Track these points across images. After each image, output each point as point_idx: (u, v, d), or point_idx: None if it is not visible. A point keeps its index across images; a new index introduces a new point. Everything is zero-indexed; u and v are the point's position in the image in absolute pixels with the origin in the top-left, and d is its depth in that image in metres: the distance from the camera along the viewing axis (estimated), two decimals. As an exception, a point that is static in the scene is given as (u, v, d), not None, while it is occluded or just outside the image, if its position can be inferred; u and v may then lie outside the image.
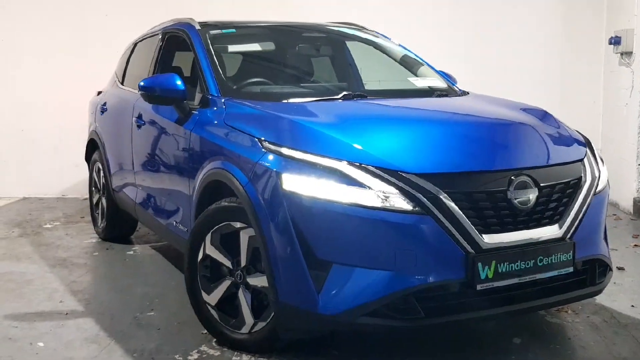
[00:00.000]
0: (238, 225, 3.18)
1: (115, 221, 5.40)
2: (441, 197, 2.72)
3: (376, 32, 4.75)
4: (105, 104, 5.41)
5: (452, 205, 2.73)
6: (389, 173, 2.76)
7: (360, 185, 2.75)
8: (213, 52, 3.96)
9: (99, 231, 5.62)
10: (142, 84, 3.81)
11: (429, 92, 4.01)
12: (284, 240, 2.84)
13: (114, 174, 5.16)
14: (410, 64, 4.49)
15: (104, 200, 5.50)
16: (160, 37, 4.72)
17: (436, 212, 2.71)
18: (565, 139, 3.31)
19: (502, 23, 7.25)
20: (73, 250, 5.27)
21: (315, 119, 3.15)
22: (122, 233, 5.53)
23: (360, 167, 2.78)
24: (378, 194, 2.73)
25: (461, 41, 7.17)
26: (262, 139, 3.04)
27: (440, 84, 4.22)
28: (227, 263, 3.24)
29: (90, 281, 4.50)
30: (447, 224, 2.72)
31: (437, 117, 3.45)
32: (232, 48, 4.25)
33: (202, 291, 3.33)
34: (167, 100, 3.79)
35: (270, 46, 4.36)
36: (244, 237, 3.16)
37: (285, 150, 2.91)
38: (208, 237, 3.29)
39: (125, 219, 5.34)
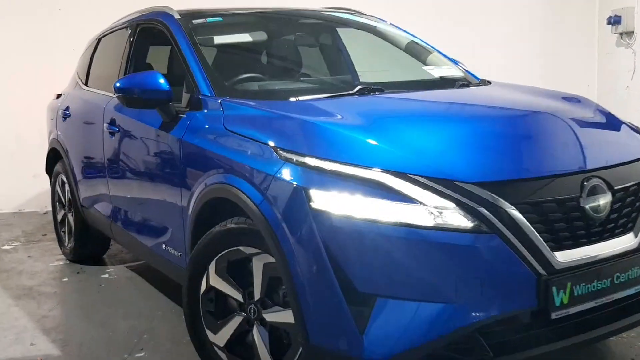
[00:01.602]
0: (250, 250, 2.65)
1: (85, 240, 4.79)
2: (508, 209, 2.23)
3: (375, 16, 4.24)
4: (67, 108, 4.78)
5: (521, 218, 2.24)
6: (442, 183, 2.26)
7: (408, 199, 2.24)
8: (200, 45, 3.40)
9: (67, 252, 4.99)
10: (118, 85, 3.23)
11: (450, 83, 3.52)
12: (314, 269, 2.31)
13: (82, 188, 4.54)
14: (418, 52, 3.99)
15: (70, 217, 4.89)
16: (131, 30, 4.12)
17: (503, 228, 2.22)
18: (626, 132, 2.86)
19: (487, 3, 6.82)
20: (39, 276, 4.64)
21: (340, 120, 2.63)
22: (93, 253, 4.94)
23: (406, 178, 2.27)
24: (431, 210, 2.22)
25: (445, 25, 6.71)
26: (278, 146, 2.50)
27: (457, 72, 3.74)
28: (237, 296, 2.71)
29: (64, 315, 3.90)
30: (515, 242, 2.23)
31: (481, 112, 2.94)
32: (218, 39, 3.68)
33: (207, 330, 2.80)
34: (149, 103, 3.21)
35: (262, 36, 3.81)
36: (258, 265, 2.63)
37: (310, 160, 2.38)
38: (212, 266, 2.76)
39: (96, 237, 4.74)
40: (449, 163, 2.32)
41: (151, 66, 4.10)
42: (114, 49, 4.38)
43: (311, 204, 2.31)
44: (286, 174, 2.42)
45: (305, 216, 2.32)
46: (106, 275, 4.60)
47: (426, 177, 2.27)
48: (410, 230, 2.21)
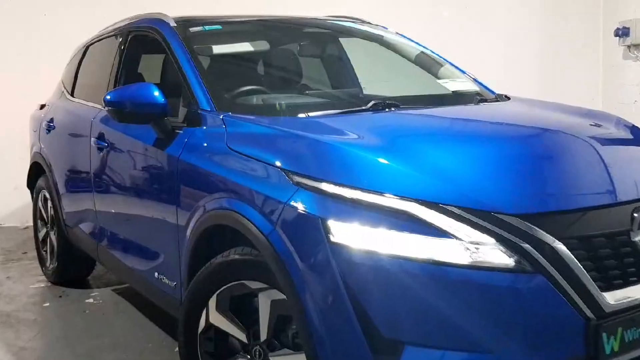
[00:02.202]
0: (255, 285, 2.37)
1: (68, 261, 4.48)
2: (554, 245, 1.97)
3: (382, 26, 3.98)
4: (51, 120, 4.47)
5: (568, 255, 1.98)
6: (479, 215, 1.99)
7: (441, 233, 1.97)
8: (199, 55, 3.12)
9: (49, 273, 4.67)
10: (108, 97, 2.94)
11: (467, 98, 3.26)
12: (333, 311, 2.04)
13: (67, 205, 4.23)
14: (429, 63, 3.73)
15: (53, 236, 4.57)
16: (122, 37, 3.83)
17: (548, 266, 1.96)
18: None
19: (489, 14, 6.61)
20: (18, 300, 4.32)
21: (359, 140, 2.35)
22: (76, 274, 4.62)
23: (438, 208, 2.00)
24: (467, 246, 1.96)
25: (447, 35, 6.48)
26: (290, 170, 2.23)
27: (472, 86, 3.48)
28: (240, 336, 2.43)
29: (46, 346, 3.58)
30: (562, 281, 1.97)
31: (516, 133, 2.67)
32: (217, 49, 3.40)
33: (206, 373, 2.51)
34: (142, 118, 2.93)
35: (263, 46, 3.54)
36: (265, 302, 2.34)
37: (327, 187, 2.11)
38: (212, 301, 2.47)
39: (80, 258, 4.42)
40: (486, 192, 2.06)
41: (143, 77, 3.82)
42: (103, 58, 4.09)
43: (329, 236, 2.04)
44: (300, 201, 2.14)
45: (323, 250, 2.05)
46: (91, 300, 4.29)
47: (461, 208, 2.00)
48: (443, 269, 1.95)
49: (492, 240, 1.95)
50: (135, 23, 3.77)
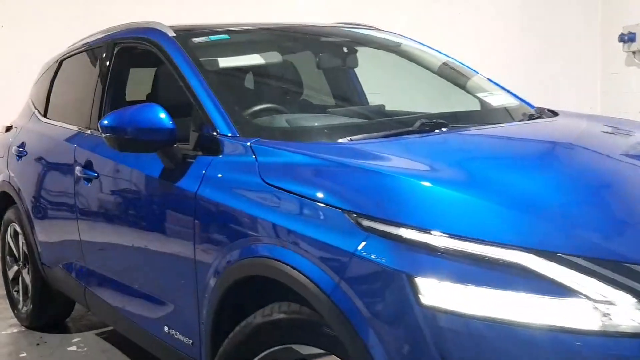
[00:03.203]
0: (308, 350, 1.94)
1: (45, 303, 3.96)
2: None
3: (397, 33, 3.59)
4: (22, 145, 3.95)
5: None
6: (611, 267, 1.60)
7: (564, 291, 1.57)
8: (207, 70, 2.68)
9: (22, 317, 4.14)
10: (105, 122, 2.48)
11: (515, 114, 2.88)
12: (425, 391, 1.63)
13: (44, 242, 3.71)
14: (455, 74, 3.36)
15: (26, 275, 4.05)
16: (106, 50, 3.35)
17: None
18: None
19: (482, 18, 6.30)
20: (-11, 351, 3.79)
21: (439, 172, 1.95)
22: (55, 317, 4.10)
23: (559, 259, 1.60)
24: (596, 306, 1.57)
25: (441, 41, 6.14)
26: (356, 211, 1.80)
27: (511, 99, 3.12)
28: (289, 413, 1.99)
29: (29, 412, 3.07)
30: None
31: (622, 161, 2.27)
32: (226, 62, 2.95)
33: None
34: (148, 146, 2.47)
35: (277, 57, 3.10)
36: (321, 371, 1.92)
37: (410, 233, 1.69)
38: (252, 370, 2.03)
39: (59, 299, 3.91)
40: (616, 237, 1.67)
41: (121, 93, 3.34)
42: (82, 74, 3.61)
43: (419, 297, 1.63)
44: (374, 251, 1.72)
45: (410, 315, 1.63)
46: (74, 348, 3.78)
47: (587, 259, 1.61)
48: (569, 337, 1.55)
49: (630, 300, 1.56)
50: (121, 34, 3.30)
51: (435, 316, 1.61)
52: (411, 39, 3.55)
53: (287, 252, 1.94)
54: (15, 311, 4.24)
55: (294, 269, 1.90)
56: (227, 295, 2.18)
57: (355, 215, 1.80)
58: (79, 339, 3.91)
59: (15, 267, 4.22)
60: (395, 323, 1.66)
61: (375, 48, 3.47)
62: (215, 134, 2.41)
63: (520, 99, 3.17)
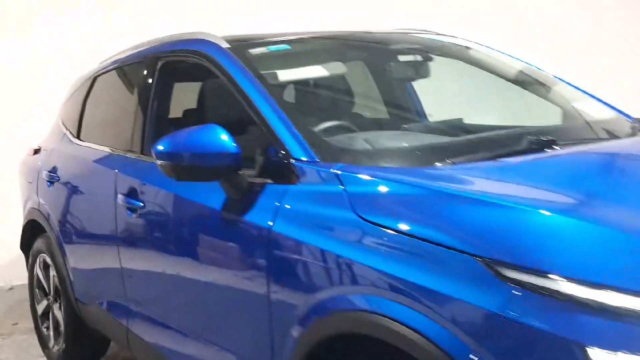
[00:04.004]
0: None
1: (80, 342, 3.62)
2: None
3: (466, 38, 3.23)
4: (54, 169, 3.62)
5: None
6: None
7: None
8: (271, 85, 2.35)
9: (53, 355, 3.79)
10: (160, 148, 2.14)
11: (621, 127, 2.52)
12: None
13: (80, 277, 3.38)
14: (534, 82, 3.00)
15: (57, 311, 3.71)
16: (146, 66, 3.03)
17: None
18: None
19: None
20: (20, 397, 3.45)
21: (583, 206, 1.60)
22: (89, 357, 3.76)
23: None
24: None
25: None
26: (491, 258, 1.45)
27: (608, 110, 2.76)
28: None
29: None
30: None
31: None
32: (288, 75, 2.61)
33: None
34: (209, 173, 2.13)
35: (340, 69, 2.75)
36: None
37: (572, 289, 1.34)
38: None
39: (94, 338, 3.58)
40: None
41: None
42: (120, 91, 3.31)
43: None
44: (525, 311, 1.37)
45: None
46: (111, 391, 3.43)
47: None
48: None
49: None
50: (164, 47, 2.98)
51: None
52: (481, 44, 3.19)
53: (398, 307, 1.59)
54: (46, 350, 3.90)
55: (407, 327, 1.55)
56: (313, 355, 1.83)
57: (491, 262, 1.44)
58: (116, 381, 3.57)
59: (45, 302, 3.89)
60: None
61: (443, 55, 3.11)
62: (287, 158, 2.06)
63: (616, 109, 2.81)
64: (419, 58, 2.92)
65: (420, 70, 2.95)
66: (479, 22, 5.98)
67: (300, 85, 2.66)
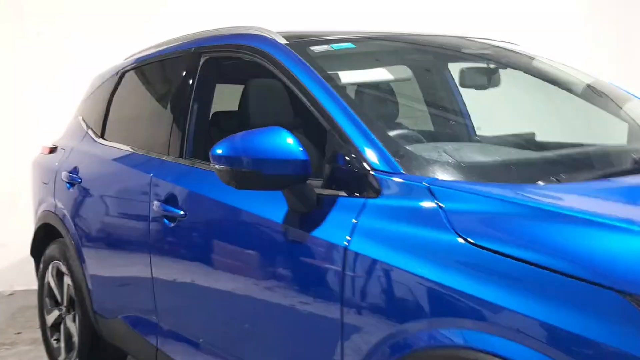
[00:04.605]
0: None
1: (95, 358, 3.35)
2: None
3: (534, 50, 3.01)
4: (75, 170, 3.36)
5: None
6: None
7: None
8: (340, 87, 2.12)
9: (64, 372, 3.53)
10: (219, 152, 1.90)
11: None
12: None
13: (101, 288, 3.12)
14: (601, 97, 2.79)
15: (71, 323, 3.45)
16: (186, 62, 2.79)
17: None
18: None
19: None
20: (29, 416, 3.18)
21: None
22: (103, 373, 3.49)
23: None
24: None
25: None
26: (647, 296, 1.23)
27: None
28: None
29: None
30: None
31: None
32: (357, 76, 2.37)
33: None
34: (275, 182, 1.89)
35: (405, 73, 2.53)
36: None
37: None
38: None
39: (110, 353, 3.31)
40: None
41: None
42: (154, 89, 3.06)
43: None
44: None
45: None
46: (128, 413, 3.17)
47: None
48: None
49: None
50: (207, 41, 2.75)
51: None
52: (545, 56, 2.97)
53: (516, 348, 1.36)
54: (55, 364, 3.63)
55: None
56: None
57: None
58: (133, 401, 3.31)
59: (56, 312, 3.62)
60: None
61: (512, 66, 2.88)
62: (365, 169, 1.83)
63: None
64: (491, 65, 2.69)
65: (492, 78, 2.73)
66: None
67: (369, 88, 2.43)
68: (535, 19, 5.87)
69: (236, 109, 2.61)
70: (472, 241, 1.50)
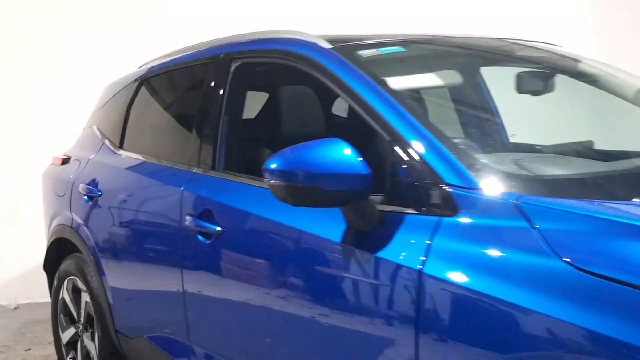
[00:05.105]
0: None
1: (116, 380, 3.19)
2: None
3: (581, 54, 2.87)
4: (94, 183, 3.19)
5: None
6: None
7: None
8: (399, 94, 1.97)
9: (82, 394, 3.36)
10: (273, 166, 1.75)
11: None
12: None
13: (124, 306, 2.96)
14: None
15: (89, 342, 3.28)
16: (217, 68, 2.63)
17: None
18: None
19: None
20: None
21: None
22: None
23: None
24: None
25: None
26: None
27: None
28: None
29: None
30: None
31: None
32: (400, 82, 2.22)
33: None
34: (334, 198, 1.74)
35: (455, 78, 2.38)
36: None
37: None
38: None
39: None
40: None
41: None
42: (178, 97, 2.89)
43: None
44: None
45: None
46: None
47: None
48: None
49: None
50: (239, 47, 2.60)
51: None
52: (591, 59, 2.83)
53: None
54: (72, 386, 3.46)
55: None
56: None
57: None
58: None
59: (72, 330, 3.45)
60: None
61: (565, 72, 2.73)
62: (435, 184, 1.68)
63: None
64: (546, 70, 2.55)
65: (548, 84, 2.58)
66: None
67: (426, 94, 2.27)
68: (535, 19, 5.74)
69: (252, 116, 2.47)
70: (581, 267, 1.35)
